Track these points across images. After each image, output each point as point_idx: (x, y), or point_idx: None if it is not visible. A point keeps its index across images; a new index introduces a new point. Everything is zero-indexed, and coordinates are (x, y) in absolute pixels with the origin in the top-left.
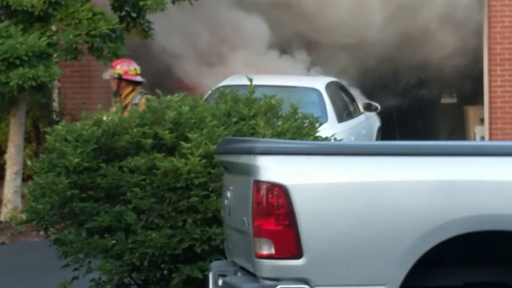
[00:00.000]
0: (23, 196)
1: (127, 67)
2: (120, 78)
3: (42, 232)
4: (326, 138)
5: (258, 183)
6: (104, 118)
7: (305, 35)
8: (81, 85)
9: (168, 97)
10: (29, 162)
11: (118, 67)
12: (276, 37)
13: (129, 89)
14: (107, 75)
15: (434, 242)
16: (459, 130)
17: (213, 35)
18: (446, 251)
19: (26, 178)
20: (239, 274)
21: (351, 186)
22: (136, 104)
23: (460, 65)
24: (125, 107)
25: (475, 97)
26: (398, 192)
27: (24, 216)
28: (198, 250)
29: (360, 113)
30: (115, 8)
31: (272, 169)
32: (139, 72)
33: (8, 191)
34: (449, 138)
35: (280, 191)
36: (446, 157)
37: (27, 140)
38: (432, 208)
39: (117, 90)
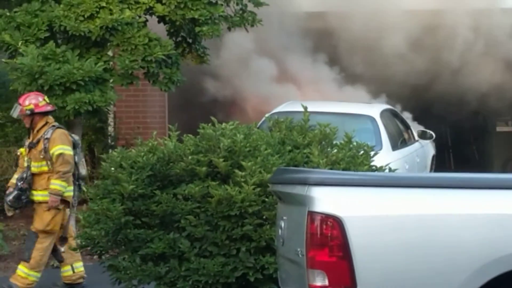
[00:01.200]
0: (77, 221)
1: (35, 100)
2: (33, 113)
3: (95, 257)
4: (381, 167)
5: (312, 214)
6: (18, 153)
7: (360, 66)
8: (136, 109)
9: (223, 124)
10: (84, 188)
11: (26, 102)
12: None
13: (42, 122)
14: (16, 113)
15: (489, 276)
16: None
17: (267, 58)
18: (502, 286)
19: (80, 202)
20: None
21: (405, 219)
22: (47, 139)
23: None
24: (38, 142)
25: None
26: (453, 225)
27: (78, 242)
28: (252, 279)
29: (414, 141)
30: (170, 34)
31: (327, 200)
32: (48, 101)
33: None
34: (504, 166)
35: (334, 222)
36: (502, 190)
37: None
38: (488, 241)
39: (30, 126)
